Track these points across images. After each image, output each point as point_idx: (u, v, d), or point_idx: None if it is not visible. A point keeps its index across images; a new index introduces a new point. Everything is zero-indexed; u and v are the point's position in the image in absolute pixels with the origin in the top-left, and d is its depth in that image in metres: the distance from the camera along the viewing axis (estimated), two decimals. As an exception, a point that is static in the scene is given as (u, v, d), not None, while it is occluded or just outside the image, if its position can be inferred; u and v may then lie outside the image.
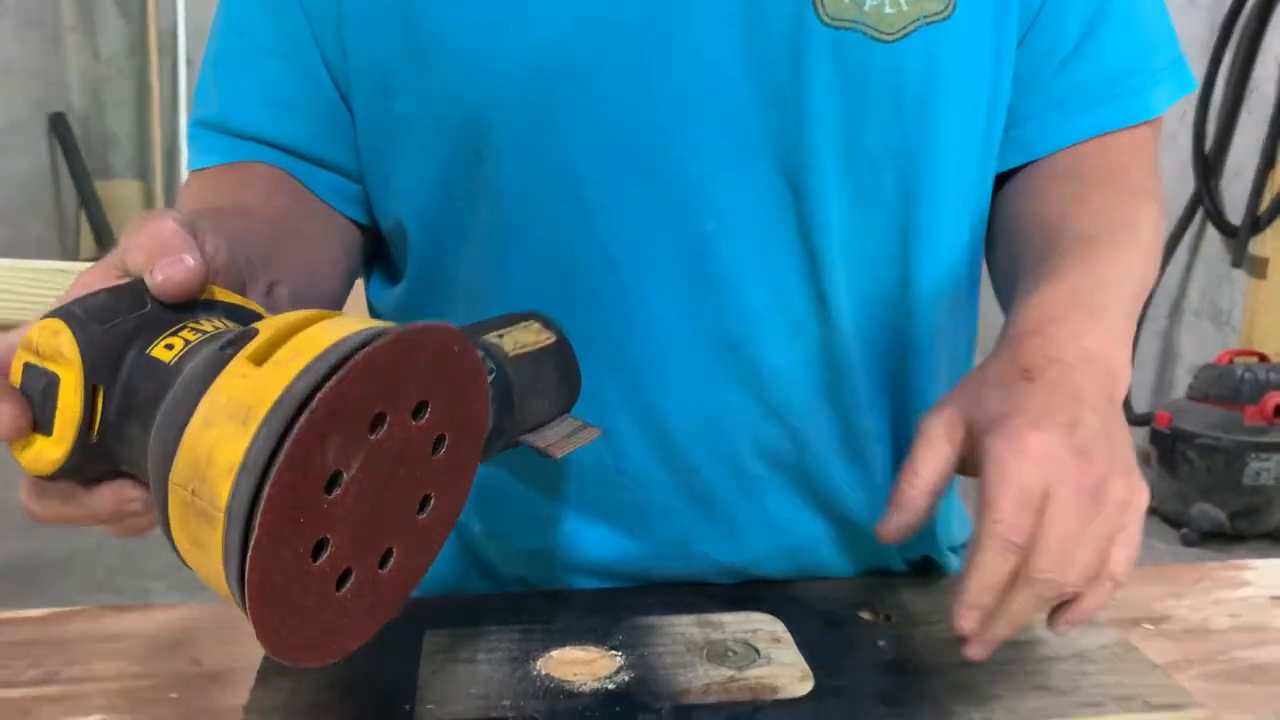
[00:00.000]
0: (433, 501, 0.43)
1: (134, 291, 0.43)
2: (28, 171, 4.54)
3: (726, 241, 0.63)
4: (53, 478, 0.43)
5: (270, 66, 0.67)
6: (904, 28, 0.60)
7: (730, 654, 0.61)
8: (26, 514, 0.45)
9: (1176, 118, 3.49)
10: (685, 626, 0.64)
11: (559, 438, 0.56)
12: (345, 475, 0.38)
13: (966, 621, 0.50)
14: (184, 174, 4.91)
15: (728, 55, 0.60)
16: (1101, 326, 0.56)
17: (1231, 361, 2.92)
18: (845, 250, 0.64)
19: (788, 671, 0.59)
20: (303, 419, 0.35)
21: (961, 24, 0.62)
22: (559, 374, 0.57)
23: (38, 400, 0.42)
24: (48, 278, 0.72)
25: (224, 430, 0.37)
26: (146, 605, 0.75)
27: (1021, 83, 0.67)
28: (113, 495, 0.44)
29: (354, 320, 0.41)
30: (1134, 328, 0.59)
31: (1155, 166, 0.71)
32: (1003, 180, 0.71)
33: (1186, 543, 2.94)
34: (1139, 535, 0.51)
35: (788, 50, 0.60)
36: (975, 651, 0.51)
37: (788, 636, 0.63)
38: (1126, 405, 3.45)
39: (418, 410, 0.40)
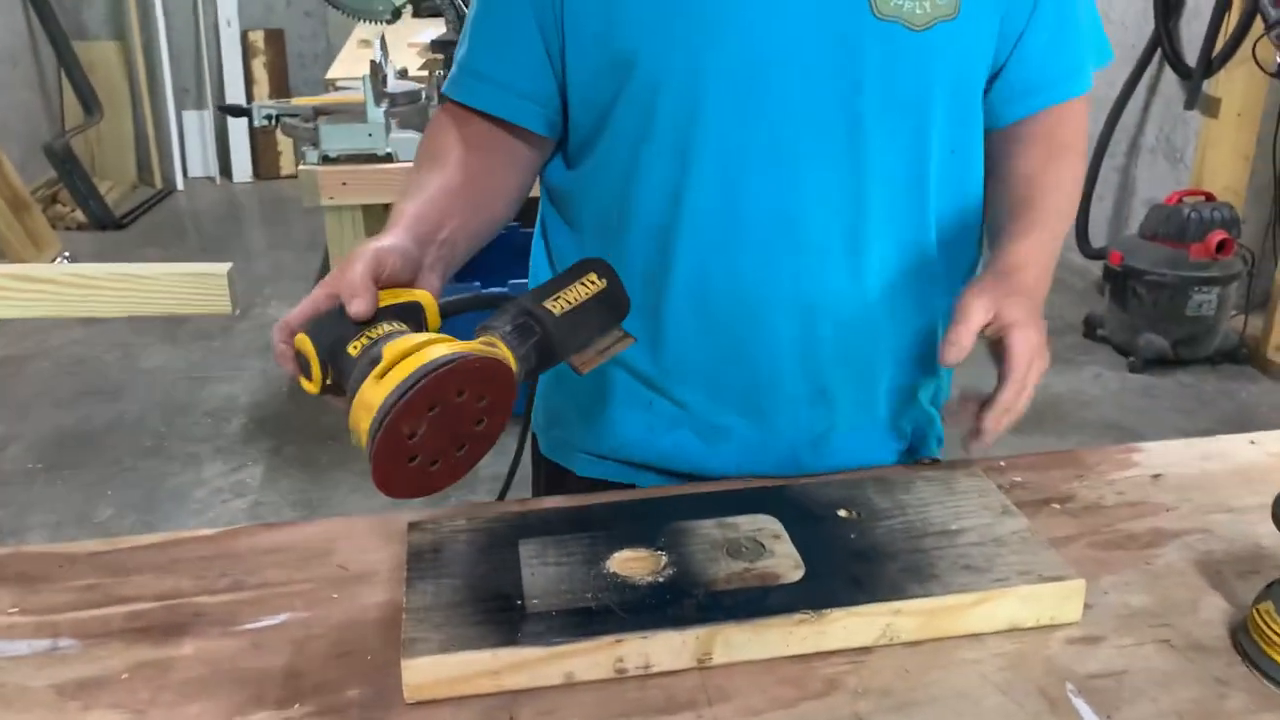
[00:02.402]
0: (484, 422, 0.76)
1: (340, 311, 0.77)
2: (7, 39, 4.53)
3: (799, 149, 0.93)
4: (318, 396, 0.79)
5: (505, 34, 0.97)
6: (928, 23, 0.91)
7: (744, 550, 0.84)
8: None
9: (1142, -44, 3.56)
10: (709, 528, 0.87)
11: (593, 353, 0.85)
12: (419, 430, 0.72)
13: (997, 424, 0.91)
14: (163, 34, 4.87)
15: (809, 32, 0.90)
16: (1042, 266, 0.98)
17: (1180, 201, 3.12)
18: (879, 164, 0.95)
19: (785, 562, 0.83)
20: (384, 425, 0.70)
21: (965, 24, 0.93)
22: (604, 308, 0.86)
23: (303, 366, 0.78)
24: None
25: (361, 412, 0.72)
26: (291, 522, 0.96)
27: (1016, 71, 1.01)
28: (339, 401, 0.78)
29: (442, 347, 0.73)
30: (1059, 247, 1.02)
31: (1085, 125, 1.09)
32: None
33: (1132, 370, 3.22)
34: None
35: (850, 33, 0.90)
36: (985, 442, 0.92)
37: (784, 533, 0.86)
38: (1084, 240, 3.67)
39: (459, 393, 0.73)
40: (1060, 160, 1.04)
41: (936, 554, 0.84)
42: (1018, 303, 0.92)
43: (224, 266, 0.92)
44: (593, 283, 0.85)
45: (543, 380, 1.14)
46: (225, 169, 5.38)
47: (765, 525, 0.87)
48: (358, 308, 0.76)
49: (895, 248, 0.99)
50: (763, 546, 0.85)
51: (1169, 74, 3.53)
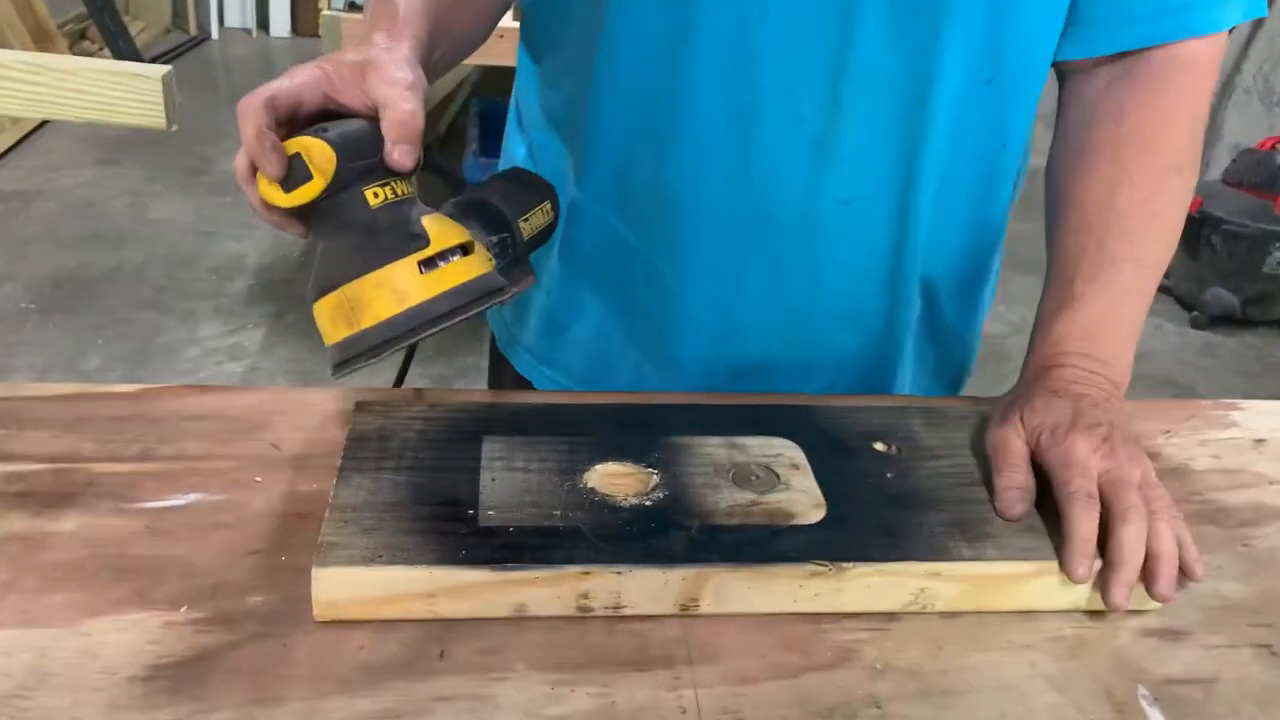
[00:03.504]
0: None
1: (375, 139, 0.61)
2: None
3: (769, 28, 0.74)
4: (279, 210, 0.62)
5: None
6: None
7: (753, 478, 0.69)
8: (248, 197, 0.63)
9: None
10: (714, 448, 0.71)
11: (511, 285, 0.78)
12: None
13: (1118, 595, 0.63)
14: None
15: None
16: (1114, 336, 0.73)
17: (1273, 148, 2.87)
18: (868, 71, 0.75)
19: (803, 498, 0.67)
20: (417, 333, 0.59)
21: None
22: (542, 241, 0.78)
23: (293, 174, 0.60)
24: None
25: (386, 296, 0.59)
26: (225, 387, 0.82)
27: None
28: (291, 225, 0.63)
29: (484, 259, 0.63)
30: (1139, 327, 0.75)
31: (1202, 102, 0.79)
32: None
33: (1195, 325, 3.01)
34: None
35: None
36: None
37: (805, 463, 0.70)
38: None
39: None
40: (1152, 177, 0.76)
41: (990, 508, 0.68)
42: (1063, 406, 0.69)
43: (161, 69, 0.75)
44: (546, 213, 0.77)
45: None
46: (263, 22, 5.17)
47: (783, 451, 0.71)
48: (405, 160, 0.60)
49: (870, 172, 0.79)
50: (777, 476, 0.69)
51: (1278, 10, 3.24)
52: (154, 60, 4.47)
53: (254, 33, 5.18)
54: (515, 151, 0.94)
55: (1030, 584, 0.64)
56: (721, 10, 0.74)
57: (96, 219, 3.10)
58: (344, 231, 0.60)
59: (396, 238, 0.60)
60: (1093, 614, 0.65)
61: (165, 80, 0.74)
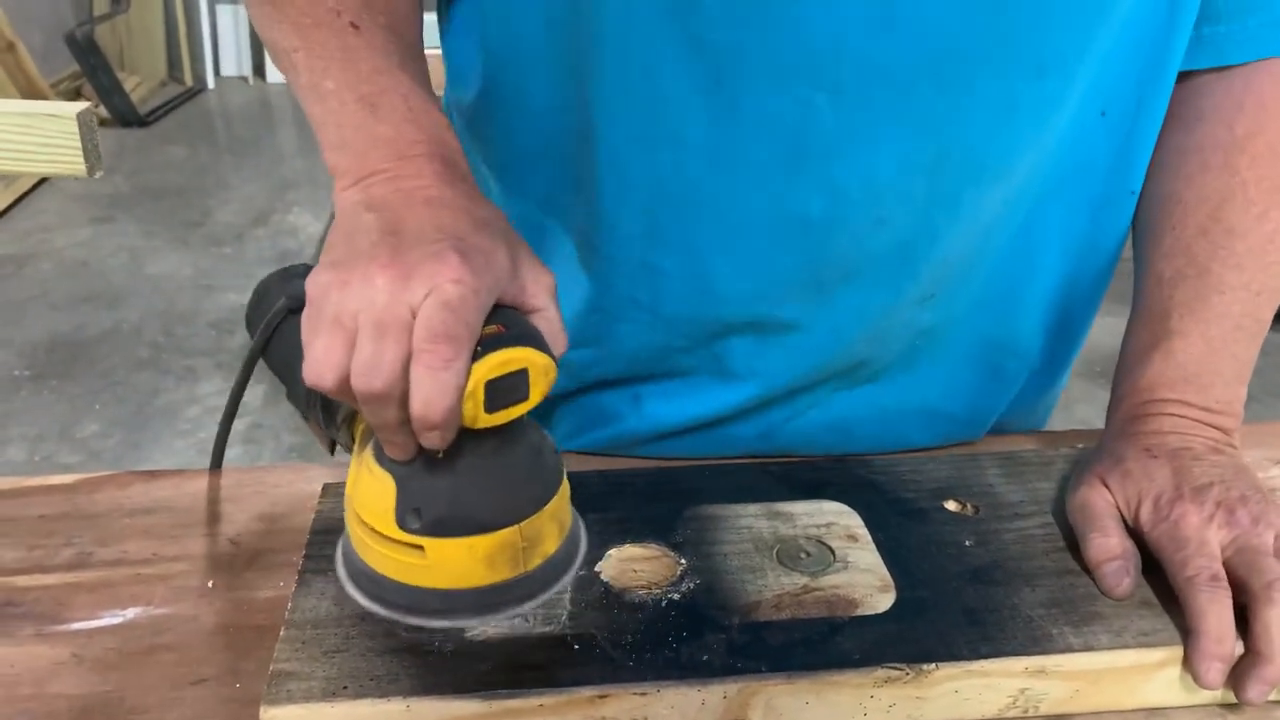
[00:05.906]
0: None
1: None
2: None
3: (859, 129, 0.57)
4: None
5: None
6: None
7: (803, 555, 0.57)
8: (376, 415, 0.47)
9: None
10: (752, 518, 0.59)
11: None
12: None
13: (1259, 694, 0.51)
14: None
15: None
16: (1209, 397, 0.60)
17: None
18: (971, 166, 0.59)
19: (866, 579, 0.55)
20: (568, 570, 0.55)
21: None
22: None
23: (511, 393, 0.47)
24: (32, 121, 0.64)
25: (554, 530, 0.53)
26: (177, 471, 0.71)
27: None
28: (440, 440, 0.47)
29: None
30: (1250, 365, 0.62)
31: None
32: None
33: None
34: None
35: None
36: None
37: (865, 534, 0.58)
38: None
39: None
40: (1276, 175, 0.62)
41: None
42: (1161, 469, 0.57)
43: (75, 106, 0.65)
44: None
45: None
46: (259, 68, 5.11)
47: (836, 519, 0.59)
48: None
49: (962, 267, 0.64)
50: (831, 552, 0.57)
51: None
52: (150, 114, 4.41)
53: (251, 79, 5.12)
54: None
55: (1156, 676, 0.51)
56: (779, 98, 0.56)
57: (92, 278, 3.01)
58: (510, 453, 0.51)
59: (549, 455, 0.53)
60: (1233, 706, 0.52)
61: (82, 120, 0.63)
